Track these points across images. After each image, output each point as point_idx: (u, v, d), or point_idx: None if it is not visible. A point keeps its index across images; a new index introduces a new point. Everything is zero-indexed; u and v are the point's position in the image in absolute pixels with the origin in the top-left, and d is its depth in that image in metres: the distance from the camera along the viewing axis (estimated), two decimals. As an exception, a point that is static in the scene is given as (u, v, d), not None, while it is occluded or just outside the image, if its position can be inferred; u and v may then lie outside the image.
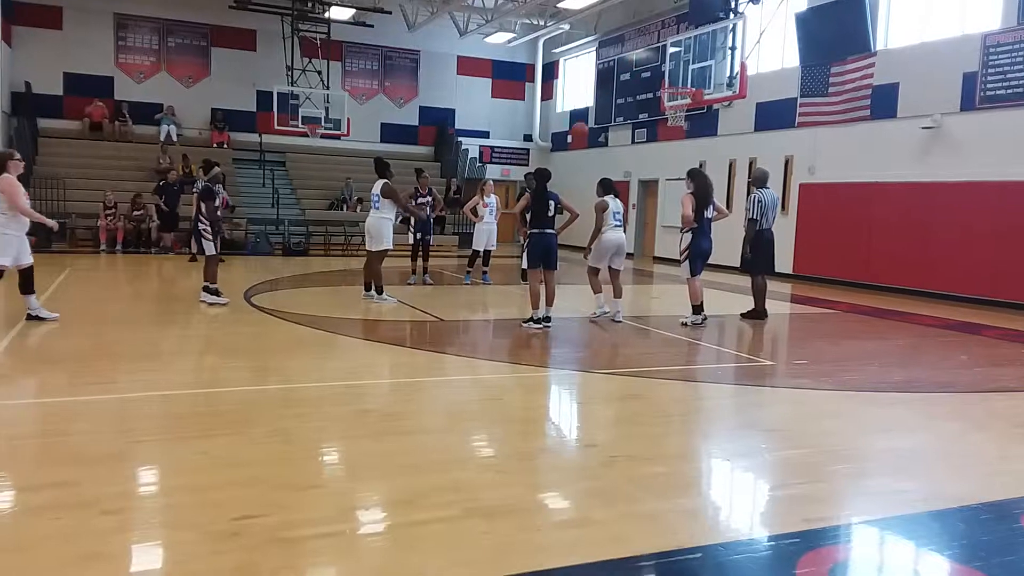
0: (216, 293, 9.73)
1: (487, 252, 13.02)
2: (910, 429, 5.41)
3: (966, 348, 8.71)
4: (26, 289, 7.87)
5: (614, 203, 9.27)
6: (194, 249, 10.67)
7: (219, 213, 9.92)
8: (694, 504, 3.85)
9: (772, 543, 3.38)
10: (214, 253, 9.86)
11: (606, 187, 9.45)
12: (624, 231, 9.74)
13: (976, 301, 12.28)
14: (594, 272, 9.51)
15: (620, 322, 9.22)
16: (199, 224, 9.84)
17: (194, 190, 11.69)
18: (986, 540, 3.51)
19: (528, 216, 8.70)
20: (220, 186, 10.58)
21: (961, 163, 12.82)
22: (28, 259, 7.81)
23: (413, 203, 12.36)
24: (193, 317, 9.02)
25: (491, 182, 13.35)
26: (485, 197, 12.74)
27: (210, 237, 9.84)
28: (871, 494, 4.06)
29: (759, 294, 10.07)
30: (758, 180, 10.08)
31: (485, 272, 13.09)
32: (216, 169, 10.54)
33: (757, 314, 10.06)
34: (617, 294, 9.39)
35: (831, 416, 5.63)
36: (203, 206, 9.85)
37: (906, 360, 7.95)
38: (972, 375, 7.32)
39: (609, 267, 9.42)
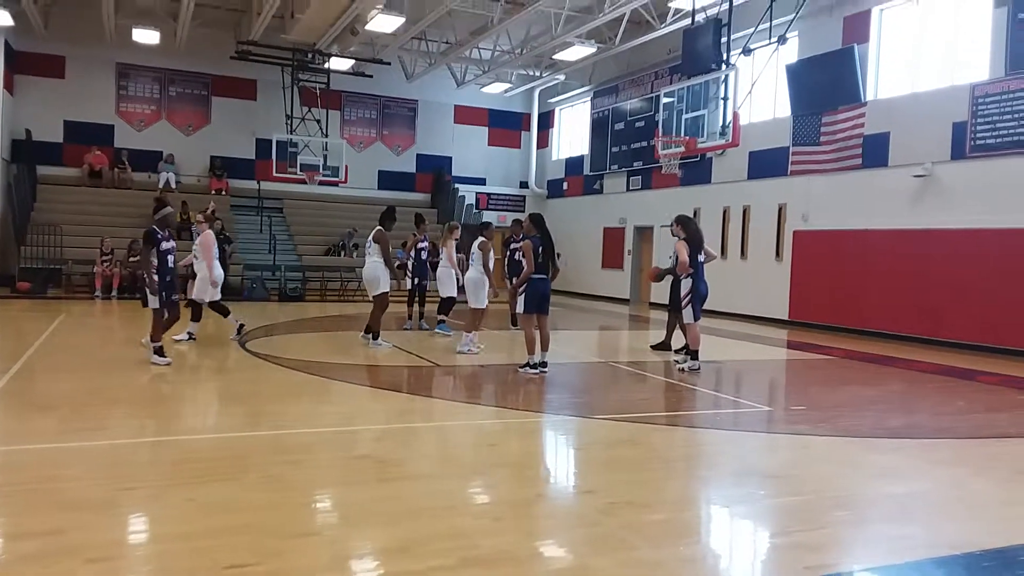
0: (160, 353, 8.41)
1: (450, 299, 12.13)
2: (910, 475, 5.37)
3: (963, 394, 8.68)
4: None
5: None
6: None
7: (170, 261, 8.50)
8: (693, 552, 3.79)
9: (773, 591, 3.33)
10: (158, 307, 8.46)
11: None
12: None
13: (971, 347, 12.28)
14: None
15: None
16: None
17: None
18: (990, 588, 3.46)
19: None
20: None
21: (953, 211, 12.95)
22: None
23: (413, 248, 12.44)
24: (186, 363, 8.97)
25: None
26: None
27: (155, 288, 8.37)
28: (872, 541, 4.02)
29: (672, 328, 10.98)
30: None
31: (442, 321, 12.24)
32: (167, 209, 8.78)
33: (666, 346, 11.15)
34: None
35: (830, 462, 5.59)
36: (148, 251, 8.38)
37: (904, 406, 7.92)
38: (970, 421, 7.29)
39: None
